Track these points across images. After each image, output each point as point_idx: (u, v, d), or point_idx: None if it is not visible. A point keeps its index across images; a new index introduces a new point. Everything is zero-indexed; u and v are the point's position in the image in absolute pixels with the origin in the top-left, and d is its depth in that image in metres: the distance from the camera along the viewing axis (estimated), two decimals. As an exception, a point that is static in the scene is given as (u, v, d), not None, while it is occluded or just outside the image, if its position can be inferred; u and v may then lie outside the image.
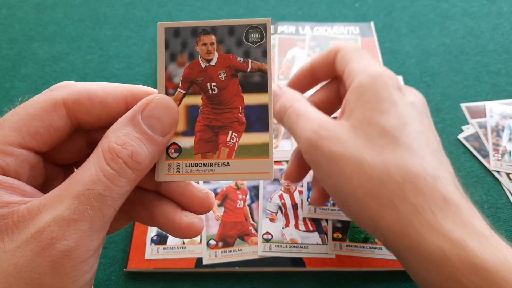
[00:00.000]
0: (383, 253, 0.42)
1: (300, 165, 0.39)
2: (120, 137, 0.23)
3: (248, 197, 0.46)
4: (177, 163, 0.26)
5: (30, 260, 0.21)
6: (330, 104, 0.39)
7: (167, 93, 0.26)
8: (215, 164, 0.26)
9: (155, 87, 0.26)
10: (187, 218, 0.26)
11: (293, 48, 0.60)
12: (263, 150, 0.26)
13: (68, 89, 0.25)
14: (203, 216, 0.44)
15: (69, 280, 0.22)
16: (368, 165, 0.30)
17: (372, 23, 0.63)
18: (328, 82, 0.40)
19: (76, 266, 0.22)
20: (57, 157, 0.27)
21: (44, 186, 0.26)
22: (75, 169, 0.28)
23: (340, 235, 0.43)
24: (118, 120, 0.24)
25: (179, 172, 0.26)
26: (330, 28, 0.62)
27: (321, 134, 0.32)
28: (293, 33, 0.62)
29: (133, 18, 0.66)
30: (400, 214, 0.29)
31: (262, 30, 0.25)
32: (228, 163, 0.26)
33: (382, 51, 0.60)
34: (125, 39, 0.63)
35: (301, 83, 0.40)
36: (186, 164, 0.26)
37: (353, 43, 0.37)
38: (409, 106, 0.33)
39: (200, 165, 0.26)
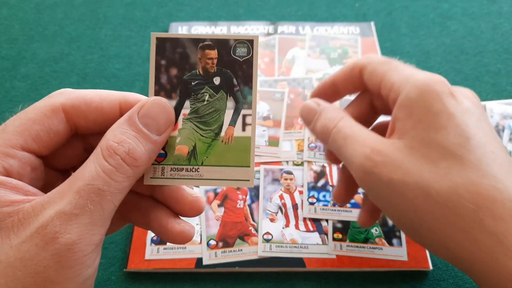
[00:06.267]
0: (383, 253, 0.42)
1: (349, 186, 0.37)
2: (117, 135, 0.25)
3: (248, 197, 0.46)
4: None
5: (35, 254, 0.22)
6: (365, 116, 0.37)
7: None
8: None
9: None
10: (179, 225, 0.28)
11: (293, 48, 0.60)
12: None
13: (66, 95, 0.27)
14: (202, 217, 0.44)
15: (73, 273, 0.23)
16: (435, 192, 0.27)
17: (372, 23, 0.63)
18: (359, 94, 0.37)
19: (79, 259, 0.23)
20: (56, 162, 0.28)
21: (44, 190, 0.27)
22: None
23: (340, 235, 0.43)
24: (117, 121, 0.26)
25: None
26: (330, 28, 0.62)
27: (376, 160, 0.29)
28: (293, 33, 0.62)
29: (133, 18, 0.66)
30: (480, 244, 0.27)
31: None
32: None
33: (382, 51, 0.60)
34: (125, 39, 0.63)
35: (323, 97, 0.37)
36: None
37: (374, 54, 0.34)
38: (467, 115, 0.29)
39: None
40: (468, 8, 0.65)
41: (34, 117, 0.25)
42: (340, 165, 0.39)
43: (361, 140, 0.30)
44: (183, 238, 0.28)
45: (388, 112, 0.34)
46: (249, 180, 0.27)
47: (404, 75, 0.31)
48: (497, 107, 0.53)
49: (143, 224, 0.29)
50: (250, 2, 0.67)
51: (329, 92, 0.37)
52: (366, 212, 0.38)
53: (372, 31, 0.62)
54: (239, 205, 0.46)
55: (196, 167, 0.27)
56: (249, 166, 0.27)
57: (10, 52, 0.61)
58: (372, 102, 0.36)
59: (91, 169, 0.24)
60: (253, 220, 0.45)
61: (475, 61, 0.59)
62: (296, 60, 0.59)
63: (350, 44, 0.61)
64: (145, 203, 0.29)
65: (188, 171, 0.27)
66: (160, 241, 0.43)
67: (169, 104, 0.27)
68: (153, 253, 0.42)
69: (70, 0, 0.68)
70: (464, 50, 0.60)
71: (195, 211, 0.28)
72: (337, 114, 0.33)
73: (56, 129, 0.26)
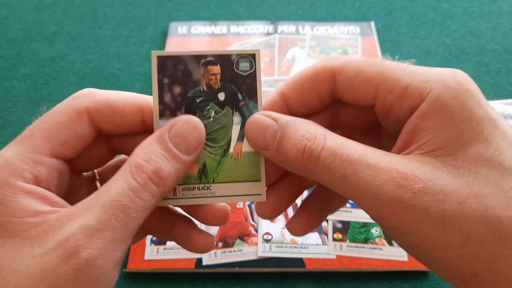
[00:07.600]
0: (383, 254, 0.42)
1: (317, 215, 0.30)
2: (147, 153, 0.24)
3: (248, 197, 0.46)
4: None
5: (56, 266, 0.21)
6: None
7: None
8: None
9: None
10: (203, 236, 0.28)
11: (293, 48, 0.60)
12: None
13: (90, 97, 0.26)
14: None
15: None
16: (506, 220, 0.21)
17: (372, 23, 0.63)
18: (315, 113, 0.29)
19: (97, 276, 0.22)
20: (81, 165, 0.28)
21: (68, 195, 0.27)
22: (97, 181, 0.30)
23: (340, 236, 0.43)
24: (148, 138, 0.25)
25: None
26: (331, 28, 0.62)
27: (415, 188, 0.22)
28: (293, 33, 0.62)
29: (133, 18, 0.65)
30: None
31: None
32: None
33: (382, 51, 0.60)
34: (125, 39, 0.63)
35: None
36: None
37: (341, 55, 0.28)
38: (500, 118, 0.24)
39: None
40: (469, 8, 0.65)
41: (60, 121, 0.25)
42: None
43: (373, 162, 0.23)
44: (205, 249, 0.28)
45: (363, 127, 0.29)
46: (261, 194, 0.27)
47: (419, 74, 0.25)
48: (497, 107, 0.52)
49: (164, 234, 0.29)
50: (250, 2, 0.67)
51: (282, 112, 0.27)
52: (305, 219, 0.30)
53: (372, 31, 0.62)
54: (239, 205, 0.46)
55: (208, 185, 0.27)
56: (260, 180, 0.27)
57: (9, 52, 0.61)
58: (336, 115, 0.29)
59: (118, 185, 0.23)
60: (253, 220, 0.45)
61: (475, 61, 0.59)
62: (296, 60, 0.59)
63: (350, 44, 0.61)
64: (166, 212, 0.29)
65: (200, 189, 0.27)
66: (159, 241, 0.43)
67: (201, 124, 0.26)
68: (153, 253, 0.42)
69: (69, 0, 0.68)
70: (464, 50, 0.60)
71: (221, 220, 0.28)
72: (314, 127, 0.25)
73: (82, 133, 0.26)
